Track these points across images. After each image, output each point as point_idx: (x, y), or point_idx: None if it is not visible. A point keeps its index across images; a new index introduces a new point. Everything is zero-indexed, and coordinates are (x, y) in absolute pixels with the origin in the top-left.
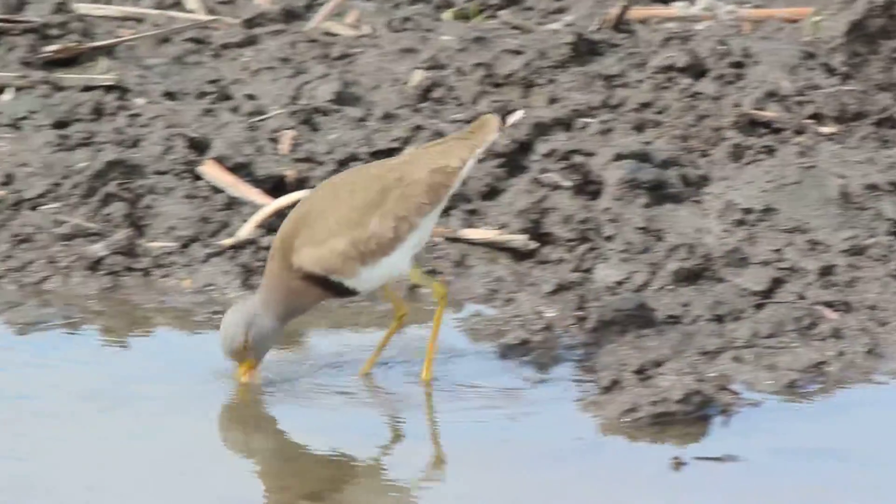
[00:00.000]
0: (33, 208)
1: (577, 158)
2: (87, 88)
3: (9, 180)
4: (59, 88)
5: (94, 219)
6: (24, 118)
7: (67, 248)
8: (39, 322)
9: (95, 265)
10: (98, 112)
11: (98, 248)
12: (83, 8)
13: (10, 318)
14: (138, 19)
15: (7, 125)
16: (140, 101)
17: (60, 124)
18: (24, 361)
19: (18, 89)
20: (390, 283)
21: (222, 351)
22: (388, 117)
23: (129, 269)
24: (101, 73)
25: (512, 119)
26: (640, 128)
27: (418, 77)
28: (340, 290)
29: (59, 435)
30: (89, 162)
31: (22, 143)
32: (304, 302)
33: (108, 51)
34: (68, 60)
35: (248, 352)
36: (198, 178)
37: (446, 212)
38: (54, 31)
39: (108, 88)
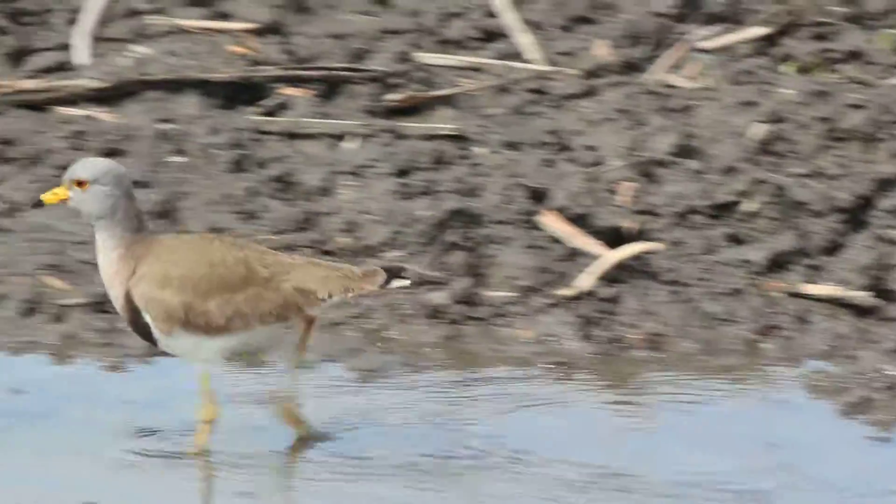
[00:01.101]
0: (375, 256)
1: None
2: (429, 137)
3: (352, 228)
4: (401, 137)
5: (435, 267)
6: (366, 166)
7: (409, 296)
8: (381, 369)
9: (436, 313)
10: (439, 161)
11: (439, 297)
12: (425, 57)
13: (353, 364)
14: (478, 69)
15: (350, 173)
16: (480, 150)
17: (402, 172)
18: (364, 408)
19: (362, 137)
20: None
21: None
22: (727, 171)
23: (469, 318)
24: (442, 122)
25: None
26: None
27: (759, 130)
28: (144, 331)
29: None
30: (431, 210)
31: (364, 190)
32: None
33: (449, 100)
34: (410, 109)
35: None
36: (537, 227)
37: (785, 266)
38: (396, 80)
39: (450, 137)
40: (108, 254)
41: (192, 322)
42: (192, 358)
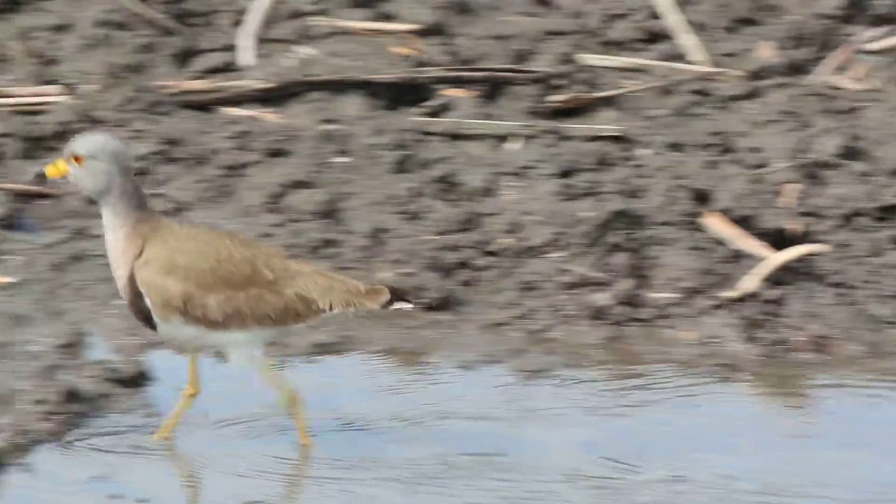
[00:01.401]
0: (538, 256)
1: None
2: (592, 138)
3: (514, 229)
4: (564, 138)
5: (597, 268)
6: (529, 167)
7: (571, 297)
8: (544, 369)
9: (599, 314)
10: (602, 162)
11: (602, 298)
12: (588, 59)
13: (516, 364)
14: (641, 70)
15: (513, 174)
16: (643, 151)
17: (565, 173)
18: (527, 408)
19: (525, 138)
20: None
21: None
22: (894, 173)
23: (632, 319)
24: (605, 123)
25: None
26: None
27: None
28: (145, 315)
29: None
30: (594, 211)
31: (527, 191)
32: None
33: (612, 101)
34: (572, 110)
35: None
36: (700, 229)
37: None
38: (559, 82)
39: (613, 138)
40: (114, 232)
41: (191, 313)
42: (189, 348)
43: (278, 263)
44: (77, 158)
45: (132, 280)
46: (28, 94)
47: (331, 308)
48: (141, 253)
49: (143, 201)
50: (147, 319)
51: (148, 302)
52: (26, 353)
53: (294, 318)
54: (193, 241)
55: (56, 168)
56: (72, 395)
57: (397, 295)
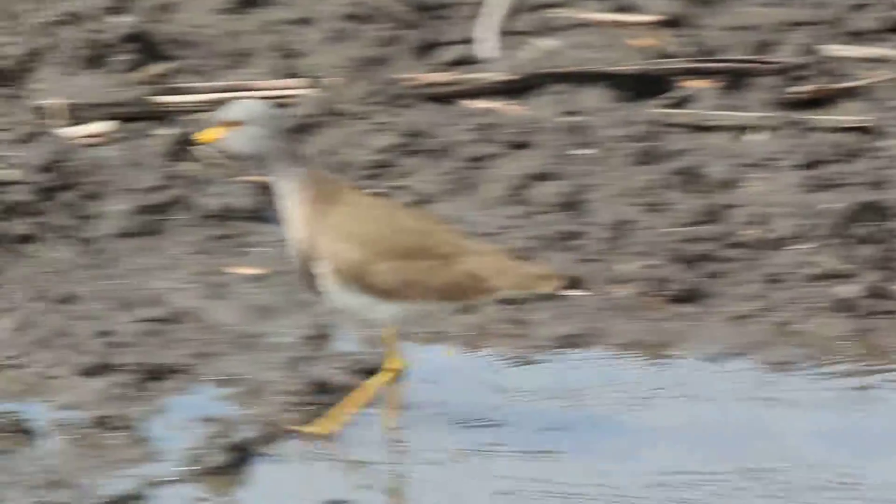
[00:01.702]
0: (783, 248)
1: None
2: (836, 129)
3: (758, 220)
4: (808, 129)
5: (843, 260)
6: (773, 158)
7: (817, 289)
8: (788, 362)
9: (845, 307)
10: (847, 153)
11: (848, 290)
12: (831, 49)
13: (760, 357)
14: (884, 61)
15: (756, 165)
16: (890, 142)
17: (809, 165)
18: (770, 401)
19: (768, 129)
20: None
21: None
22: None
23: (879, 312)
24: (850, 114)
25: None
26: None
27: None
28: (310, 279)
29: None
30: (839, 203)
31: (771, 183)
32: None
33: (857, 92)
34: (816, 101)
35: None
36: None
37: None
38: (802, 73)
39: (858, 129)
40: (290, 197)
41: (363, 281)
42: (356, 317)
43: (454, 239)
44: (231, 124)
45: (308, 244)
46: (271, 87)
47: (499, 289)
48: (319, 218)
49: (311, 165)
50: (315, 286)
51: (323, 268)
52: (274, 345)
53: (462, 295)
54: (371, 209)
55: (207, 134)
56: (319, 387)
57: (573, 282)
